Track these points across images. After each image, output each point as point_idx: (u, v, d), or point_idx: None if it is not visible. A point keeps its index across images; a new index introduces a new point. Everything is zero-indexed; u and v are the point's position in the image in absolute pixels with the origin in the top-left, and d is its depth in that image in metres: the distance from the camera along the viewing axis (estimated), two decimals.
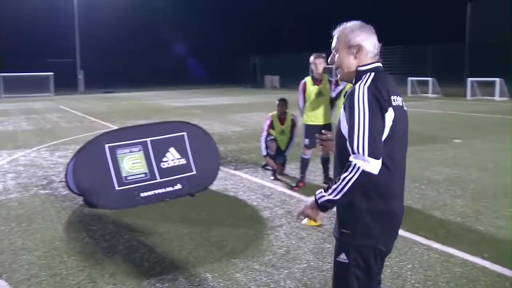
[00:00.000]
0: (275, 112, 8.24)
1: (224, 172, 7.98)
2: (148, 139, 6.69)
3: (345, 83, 6.62)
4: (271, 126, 8.20)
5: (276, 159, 8.01)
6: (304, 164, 7.33)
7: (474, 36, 29.04)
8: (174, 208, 6.20)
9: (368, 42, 2.38)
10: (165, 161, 6.72)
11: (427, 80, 29.90)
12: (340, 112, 2.33)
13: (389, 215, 2.28)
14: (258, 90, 40.54)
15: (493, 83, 26.22)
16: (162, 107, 23.54)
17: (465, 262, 4.38)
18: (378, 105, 2.17)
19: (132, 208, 6.15)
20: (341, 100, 6.62)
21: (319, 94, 7.07)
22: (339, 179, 2.15)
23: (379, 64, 2.38)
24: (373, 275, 2.31)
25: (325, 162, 7.45)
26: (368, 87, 2.21)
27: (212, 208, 6.22)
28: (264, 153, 8.07)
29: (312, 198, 2.28)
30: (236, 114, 19.09)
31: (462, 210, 5.93)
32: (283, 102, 8.17)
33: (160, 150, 6.72)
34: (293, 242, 4.93)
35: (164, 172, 6.65)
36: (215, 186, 7.22)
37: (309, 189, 6.99)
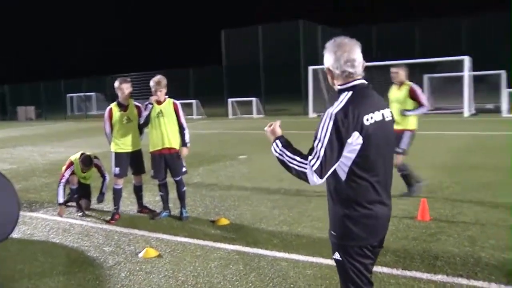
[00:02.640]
0: (76, 157, 7.34)
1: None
2: None
3: (150, 107, 6.50)
4: (72, 173, 7.33)
5: (97, 199, 7.47)
6: (117, 195, 6.89)
7: (230, 59, 31.55)
8: None
9: (336, 63, 2.48)
10: None
11: (191, 103, 31.33)
12: None
13: (372, 218, 2.50)
14: (10, 123, 36.74)
15: (250, 102, 28.93)
16: None
17: (311, 264, 4.69)
18: (339, 133, 2.33)
19: None
20: (154, 121, 6.46)
21: (127, 120, 6.77)
22: (294, 154, 2.46)
23: (359, 82, 2.48)
24: (365, 268, 2.55)
25: (138, 190, 7.15)
26: (336, 113, 2.36)
27: (26, 259, 5.35)
28: (61, 201, 7.18)
29: (278, 134, 2.60)
30: None
31: (283, 219, 6.34)
32: (88, 167, 7.32)
33: None
34: (142, 277, 4.59)
35: None
36: (16, 234, 6.26)
37: (125, 221, 6.62)
